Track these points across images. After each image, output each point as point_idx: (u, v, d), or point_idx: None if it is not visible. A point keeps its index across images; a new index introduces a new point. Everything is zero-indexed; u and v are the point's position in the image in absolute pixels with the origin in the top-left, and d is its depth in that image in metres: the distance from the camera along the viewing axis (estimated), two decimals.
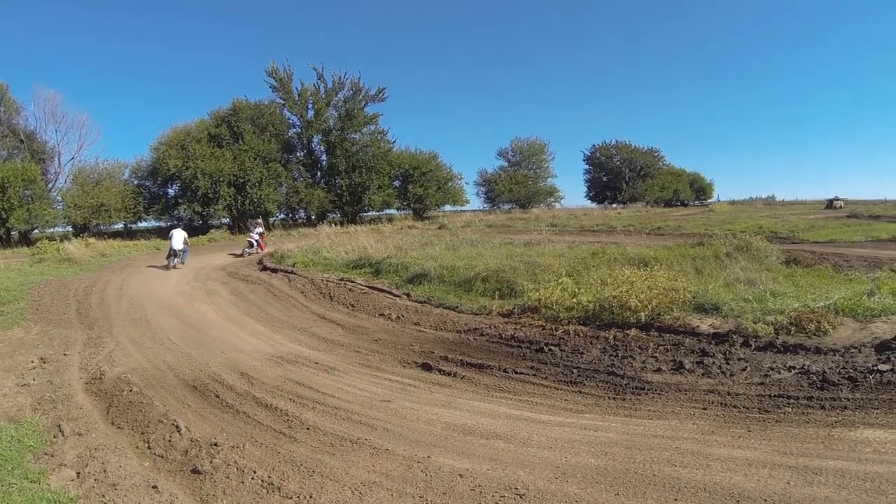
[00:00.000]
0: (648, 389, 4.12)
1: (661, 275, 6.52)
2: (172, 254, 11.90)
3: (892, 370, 3.88)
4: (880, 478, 2.60)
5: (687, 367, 4.46)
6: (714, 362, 4.51)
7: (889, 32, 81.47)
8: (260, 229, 15.83)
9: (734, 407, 3.73)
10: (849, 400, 3.60)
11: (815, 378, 3.98)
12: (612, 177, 48.56)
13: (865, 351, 4.50)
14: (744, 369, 4.35)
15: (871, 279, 6.88)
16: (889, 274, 7.54)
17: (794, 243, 13.38)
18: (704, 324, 5.61)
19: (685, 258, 8.58)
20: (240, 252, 14.84)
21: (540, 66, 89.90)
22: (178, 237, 12.13)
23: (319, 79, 28.80)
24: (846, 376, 3.93)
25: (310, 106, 28.68)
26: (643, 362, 4.67)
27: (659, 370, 4.51)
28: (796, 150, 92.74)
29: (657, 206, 44.67)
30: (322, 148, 29.65)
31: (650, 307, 5.66)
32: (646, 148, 49.72)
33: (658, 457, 3.02)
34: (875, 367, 3.98)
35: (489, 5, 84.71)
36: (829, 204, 34.96)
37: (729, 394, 3.91)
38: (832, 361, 4.38)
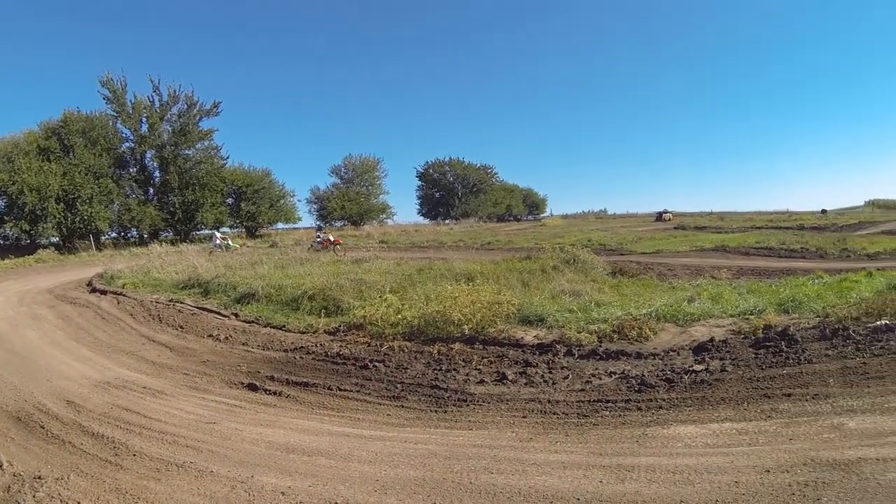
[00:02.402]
0: (471, 401, 6.96)
1: (486, 289, 11.35)
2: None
3: (706, 370, 7.44)
4: (689, 469, 4.91)
5: (510, 377, 7.71)
6: (537, 372, 7.89)
7: (718, 49, 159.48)
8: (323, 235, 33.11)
9: (554, 414, 6.43)
10: (664, 400, 6.60)
11: (633, 382, 7.15)
12: (445, 193, 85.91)
13: (684, 353, 8.30)
14: (566, 377, 7.67)
15: (693, 286, 12.60)
16: (710, 280, 13.74)
17: (622, 255, 23.28)
18: (529, 335, 9.79)
19: (512, 272, 14.95)
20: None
21: (376, 80, 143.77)
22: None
23: (155, 91, 48.79)
24: (664, 378, 7.23)
25: (144, 119, 47.74)
26: (467, 375, 8.02)
27: (482, 382, 7.72)
28: (629, 164, 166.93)
29: (490, 222, 79.39)
30: (155, 164, 49.49)
31: (474, 321, 9.76)
32: (479, 164, 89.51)
33: (476, 465, 5.13)
34: (691, 368, 7.52)
35: (322, 15, 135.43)
36: (659, 216, 62.04)
37: (549, 401, 6.77)
38: (652, 365, 7.92)
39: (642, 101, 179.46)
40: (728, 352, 8.14)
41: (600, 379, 7.43)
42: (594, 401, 6.67)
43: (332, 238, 31.41)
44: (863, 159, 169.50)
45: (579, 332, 9.34)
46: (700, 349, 8.33)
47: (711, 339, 8.67)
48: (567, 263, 15.74)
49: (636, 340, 9.05)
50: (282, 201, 58.79)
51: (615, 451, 5.27)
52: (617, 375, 7.53)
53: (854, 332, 8.25)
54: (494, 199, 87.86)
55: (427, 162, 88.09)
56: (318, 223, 44.19)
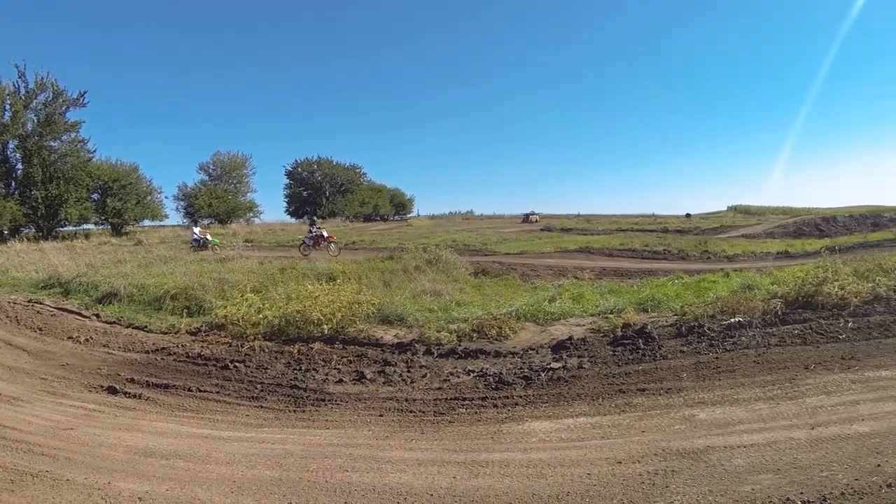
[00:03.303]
0: (329, 400, 7.96)
1: (347, 288, 12.85)
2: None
3: (563, 367, 8.35)
4: (542, 463, 5.60)
5: (368, 376, 8.82)
6: (395, 371, 9.01)
7: (589, 55, 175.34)
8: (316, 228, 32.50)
9: (411, 412, 7.32)
10: (521, 397, 7.36)
11: (491, 379, 8.00)
12: (313, 192, 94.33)
13: (543, 352, 9.30)
14: (424, 376, 8.74)
15: (555, 286, 14.19)
16: (572, 281, 15.49)
17: (486, 255, 26.15)
18: (389, 334, 11.22)
19: (374, 272, 17.14)
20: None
21: (245, 76, 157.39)
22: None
23: (20, 77, 49.84)
24: (521, 376, 8.08)
25: (7, 107, 49.36)
26: (326, 374, 9.14)
27: (341, 381, 8.80)
28: (497, 166, 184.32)
29: (356, 221, 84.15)
30: (18, 155, 51.89)
31: (334, 320, 11.17)
32: (348, 164, 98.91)
33: (332, 464, 5.74)
34: (548, 366, 8.37)
35: (195, 15, 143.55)
36: (526, 218, 70.28)
37: (407, 400, 7.73)
38: (510, 363, 8.85)
39: (510, 104, 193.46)
40: (586, 349, 9.22)
41: (458, 377, 8.28)
42: (451, 399, 7.49)
43: (325, 234, 31.25)
44: (727, 166, 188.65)
45: (439, 332, 10.41)
46: (559, 347, 9.36)
47: (570, 338, 9.75)
48: (430, 264, 17.68)
49: (496, 339, 10.22)
50: (149, 198, 62.20)
51: (470, 448, 5.84)
52: (475, 374, 8.39)
53: (709, 329, 9.65)
54: (362, 198, 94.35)
55: (296, 160, 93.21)
56: (310, 217, 42.66)
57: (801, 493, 4.64)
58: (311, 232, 32.04)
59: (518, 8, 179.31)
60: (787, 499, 4.56)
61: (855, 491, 4.68)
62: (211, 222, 68.75)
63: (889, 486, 4.76)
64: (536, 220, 67.50)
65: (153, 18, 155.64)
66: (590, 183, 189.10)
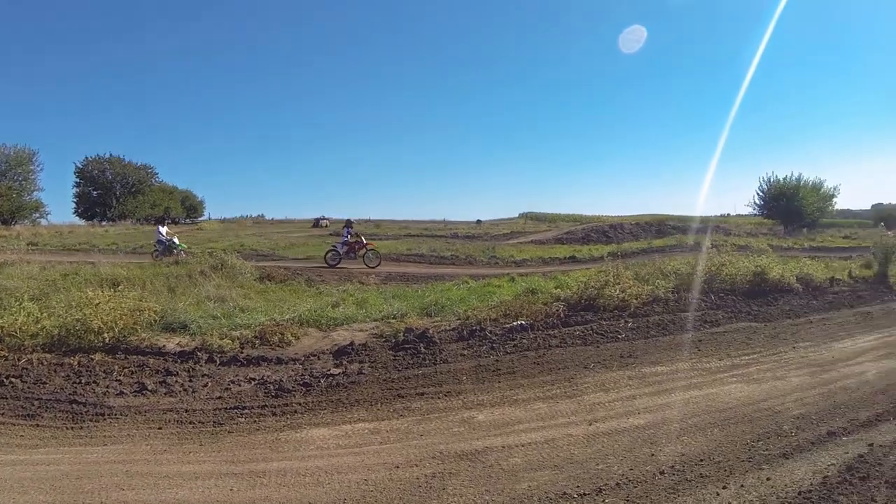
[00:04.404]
0: (109, 414, 7.22)
1: (129, 295, 11.52)
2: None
3: (344, 373, 8.23)
4: (320, 471, 5.47)
5: (150, 387, 8.07)
6: (177, 381, 8.33)
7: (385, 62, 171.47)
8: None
9: (191, 423, 6.79)
10: (300, 404, 7.14)
11: (271, 387, 7.70)
12: (104, 192, 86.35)
13: (324, 358, 9.13)
14: (206, 385, 8.16)
15: (340, 291, 14.22)
16: (357, 286, 15.55)
17: (274, 260, 25.68)
18: (171, 343, 10.41)
19: (159, 277, 16.07)
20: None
21: (36, 70, 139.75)
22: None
23: None
24: (302, 382, 7.85)
25: None
26: (107, 387, 8.23)
27: (122, 393, 7.95)
28: (289, 170, 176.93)
29: (147, 224, 76.01)
30: None
31: (116, 329, 10.14)
32: (139, 163, 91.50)
33: (108, 483, 5.27)
34: (329, 372, 8.21)
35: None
36: (316, 223, 69.00)
37: (187, 411, 7.15)
38: (292, 370, 8.60)
39: (305, 107, 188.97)
40: (368, 355, 9.16)
41: (240, 385, 7.90)
42: (231, 408, 7.07)
43: (363, 240, 25.90)
44: (520, 174, 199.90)
45: (222, 339, 9.89)
46: (341, 353, 9.22)
47: (352, 343, 9.64)
48: (215, 269, 16.77)
49: (278, 346, 9.92)
50: None
51: (248, 458, 5.59)
52: (256, 381, 8.03)
53: (490, 332, 9.97)
54: (153, 200, 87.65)
55: (87, 158, 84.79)
56: (347, 218, 31.97)
57: (578, 486, 4.82)
58: (344, 237, 25.87)
59: (284, 7, 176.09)
60: (564, 493, 4.71)
61: (630, 480, 4.95)
62: None
63: (662, 473, 5.10)
64: (327, 225, 66.68)
65: None
66: (383, 188, 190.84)
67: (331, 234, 46.86)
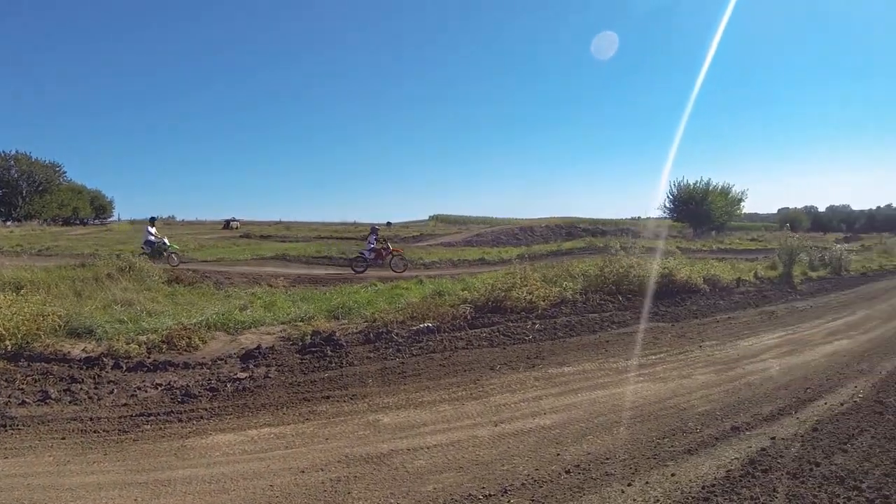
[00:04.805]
0: (10, 426, 6.85)
1: (33, 299, 11.33)
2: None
3: (250, 377, 8.14)
4: (225, 478, 5.38)
5: (53, 396, 7.73)
6: (82, 388, 8.00)
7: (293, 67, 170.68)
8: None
9: (95, 432, 6.54)
10: (206, 410, 7.01)
11: (178, 393, 7.54)
12: (9, 191, 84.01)
13: (231, 362, 9.02)
14: (112, 392, 7.87)
15: (248, 294, 14.12)
16: (265, 289, 15.40)
17: (183, 262, 25.11)
18: (77, 349, 10.06)
19: (65, 280, 15.50)
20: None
21: None
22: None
23: None
24: (208, 387, 7.71)
25: None
26: (9, 397, 7.79)
27: (24, 403, 7.56)
28: (200, 170, 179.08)
29: (55, 225, 78.71)
30: None
31: (18, 335, 9.72)
32: (47, 161, 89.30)
33: (8, 498, 5.01)
34: (235, 376, 8.12)
35: None
36: (227, 224, 68.59)
37: (92, 419, 6.89)
38: (199, 375, 8.43)
39: (214, 105, 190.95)
40: (274, 358, 9.11)
41: (146, 392, 7.66)
42: (137, 415, 6.81)
43: (390, 246, 25.45)
44: (429, 176, 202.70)
45: (129, 344, 9.59)
46: (248, 357, 9.10)
47: (259, 347, 9.57)
48: (123, 271, 16.44)
49: (185, 350, 9.72)
50: None
51: (153, 466, 5.45)
52: (163, 387, 7.80)
53: (397, 334, 10.03)
54: (61, 200, 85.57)
55: None
56: (372, 225, 29.51)
57: (483, 487, 4.86)
58: (370, 243, 25.38)
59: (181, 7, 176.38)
60: (469, 494, 4.74)
61: (535, 480, 5.02)
62: None
63: (567, 472, 5.18)
64: (237, 227, 66.41)
65: None
66: (295, 190, 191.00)
67: (241, 236, 47.50)
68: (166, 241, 25.54)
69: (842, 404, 7.24)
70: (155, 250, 24.53)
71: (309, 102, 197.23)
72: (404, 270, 23.88)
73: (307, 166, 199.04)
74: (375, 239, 25.56)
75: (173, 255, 24.93)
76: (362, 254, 25.29)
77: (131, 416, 6.85)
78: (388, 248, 25.51)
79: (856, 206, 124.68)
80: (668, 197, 66.20)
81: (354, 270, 24.20)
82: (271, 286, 17.22)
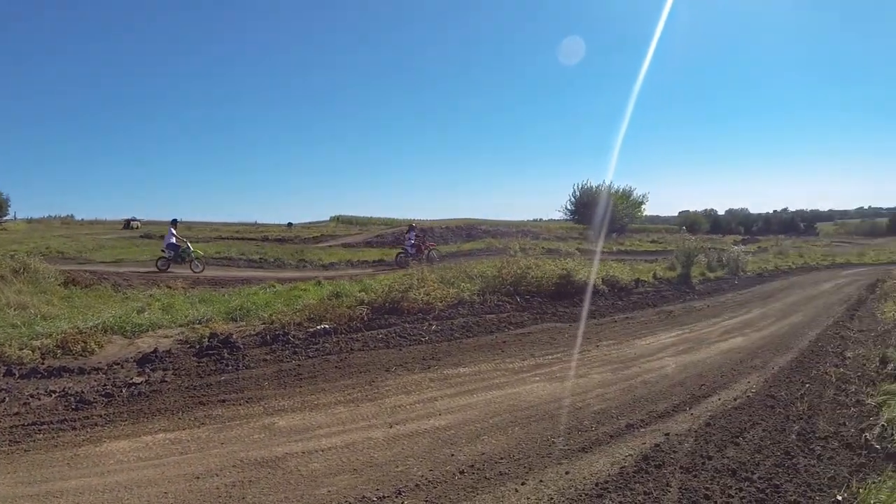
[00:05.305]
0: None
1: None
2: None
3: (147, 381, 8.03)
4: (119, 486, 5.30)
5: None
6: None
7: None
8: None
9: None
10: (101, 416, 6.89)
11: (72, 399, 7.37)
12: None
13: (128, 366, 8.87)
14: (3, 401, 7.58)
15: (147, 296, 13.91)
16: (164, 291, 15.25)
17: (81, 264, 24.66)
18: None
19: None
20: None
21: None
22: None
23: None
24: (104, 393, 7.57)
25: None
26: None
27: None
28: (100, 168, 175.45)
29: None
30: None
31: None
32: None
33: None
34: (132, 381, 8.00)
35: None
36: (127, 224, 67.36)
37: None
38: (94, 380, 8.26)
39: (113, 101, 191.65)
40: (171, 362, 9.03)
41: (39, 399, 7.39)
42: (29, 424, 6.56)
43: (427, 241, 28.27)
44: (333, 177, 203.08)
45: (21, 349, 9.25)
46: (144, 360, 8.95)
47: (156, 350, 9.42)
48: (16, 273, 15.81)
49: (81, 355, 9.39)
50: None
51: (45, 477, 5.29)
52: (57, 394, 7.55)
53: (294, 336, 10.07)
54: None
55: None
56: (410, 223, 33.59)
57: (377, 489, 4.95)
58: (410, 239, 28.53)
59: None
60: (363, 496, 4.82)
61: (429, 481, 5.13)
62: None
63: (462, 472, 5.30)
64: (138, 227, 64.47)
65: None
66: (194, 189, 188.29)
67: (141, 237, 46.55)
68: (190, 245, 24.90)
69: (735, 399, 7.65)
70: (178, 255, 24.18)
71: (208, 102, 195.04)
72: (438, 262, 24.17)
73: (208, 165, 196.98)
74: (415, 235, 29.01)
75: (196, 262, 24.44)
76: (405, 249, 28.48)
77: (24, 425, 6.60)
78: (426, 243, 29.00)
79: (753, 210, 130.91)
80: (570, 199, 67.63)
81: (399, 265, 26.06)
82: (170, 288, 17.01)
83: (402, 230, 50.05)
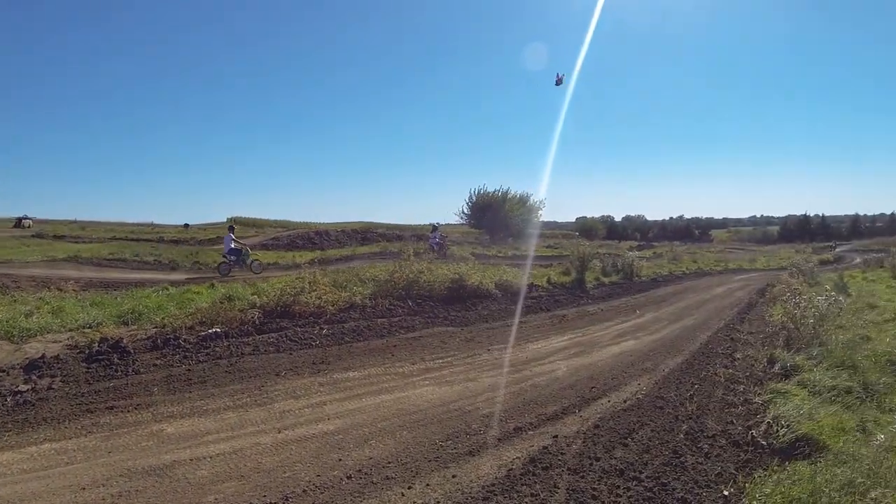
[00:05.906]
0: None
1: None
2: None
3: (33, 389, 7.79)
4: (4, 501, 5.16)
5: None
6: None
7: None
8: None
9: None
10: None
11: None
12: None
13: (14, 373, 8.51)
14: None
15: (36, 299, 13.34)
16: (55, 293, 14.66)
17: None
18: None
19: None
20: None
21: None
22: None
23: None
24: None
25: None
26: None
27: None
28: None
29: None
30: None
31: None
32: None
33: None
34: (17, 389, 7.75)
35: None
36: (18, 223, 64.90)
37: None
38: None
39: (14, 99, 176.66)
40: (60, 368, 8.68)
41: None
42: None
43: (446, 240, 31.24)
44: (230, 178, 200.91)
45: None
46: (32, 367, 8.58)
47: (43, 356, 9.02)
48: None
49: None
50: None
51: None
52: None
53: (185, 340, 9.94)
54: None
55: None
56: (434, 223, 37.34)
57: (264, 495, 5.03)
58: (435, 237, 32.04)
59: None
60: (250, 503, 4.88)
61: (317, 486, 5.23)
62: None
63: (349, 477, 5.42)
64: (29, 226, 62.06)
65: None
66: (88, 186, 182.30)
67: (33, 236, 45.09)
68: (249, 249, 26.54)
69: (625, 401, 7.98)
70: (239, 259, 25.09)
71: (106, 100, 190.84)
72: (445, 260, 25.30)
73: (106, 163, 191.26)
74: (440, 235, 32.91)
75: (255, 263, 25.61)
76: (432, 246, 30.86)
77: None
78: (446, 241, 32.48)
79: (650, 217, 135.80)
80: (466, 204, 68.13)
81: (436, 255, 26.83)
82: (61, 290, 16.34)
83: (298, 233, 51.15)
